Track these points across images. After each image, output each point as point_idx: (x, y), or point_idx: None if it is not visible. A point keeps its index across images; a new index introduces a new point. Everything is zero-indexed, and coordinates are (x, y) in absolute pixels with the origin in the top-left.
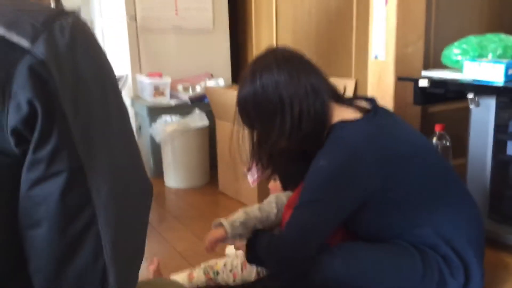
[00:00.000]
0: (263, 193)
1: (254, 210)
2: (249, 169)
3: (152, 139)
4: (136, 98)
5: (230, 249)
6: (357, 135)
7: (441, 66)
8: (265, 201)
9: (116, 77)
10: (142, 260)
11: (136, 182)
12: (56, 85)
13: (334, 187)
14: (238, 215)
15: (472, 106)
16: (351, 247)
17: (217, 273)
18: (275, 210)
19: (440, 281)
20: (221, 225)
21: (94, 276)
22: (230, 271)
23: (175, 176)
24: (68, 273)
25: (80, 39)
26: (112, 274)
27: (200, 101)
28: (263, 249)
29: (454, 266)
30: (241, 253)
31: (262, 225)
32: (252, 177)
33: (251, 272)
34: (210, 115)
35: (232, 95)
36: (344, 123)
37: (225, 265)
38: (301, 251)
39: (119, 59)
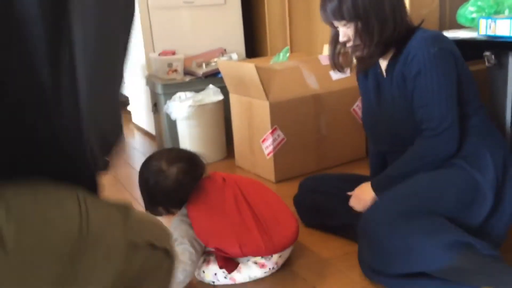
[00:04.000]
0: (279, 164)
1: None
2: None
3: (168, 117)
4: (150, 76)
5: None
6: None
7: (457, 26)
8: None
9: None
10: (120, 85)
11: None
12: None
13: (452, 65)
14: None
15: (488, 65)
16: None
17: None
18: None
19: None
20: None
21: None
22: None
23: None
24: None
25: None
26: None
27: (214, 77)
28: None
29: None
30: None
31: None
32: (267, 149)
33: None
34: (224, 91)
35: (245, 68)
36: (425, 29)
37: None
38: (455, 134)
39: (132, 38)
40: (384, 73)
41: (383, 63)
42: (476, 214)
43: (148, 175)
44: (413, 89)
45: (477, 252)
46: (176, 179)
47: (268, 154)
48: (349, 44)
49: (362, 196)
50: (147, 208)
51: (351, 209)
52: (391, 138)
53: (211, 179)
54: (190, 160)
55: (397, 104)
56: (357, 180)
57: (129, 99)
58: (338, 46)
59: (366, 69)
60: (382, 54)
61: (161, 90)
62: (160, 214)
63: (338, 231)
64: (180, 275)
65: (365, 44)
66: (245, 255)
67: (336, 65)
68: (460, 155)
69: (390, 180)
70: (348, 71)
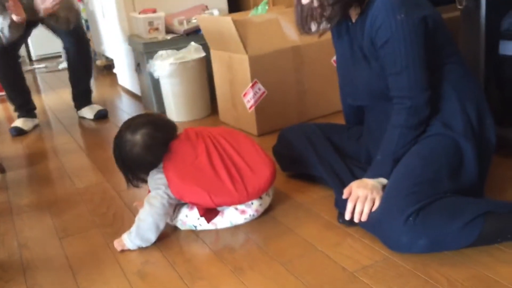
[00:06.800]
0: (260, 118)
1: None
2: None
3: (151, 76)
4: (132, 36)
5: None
6: None
7: None
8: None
9: None
10: None
11: None
12: None
13: (421, 29)
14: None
15: (460, 7)
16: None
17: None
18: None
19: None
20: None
21: None
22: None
23: (176, 110)
24: None
25: None
26: None
27: (195, 34)
28: (401, 135)
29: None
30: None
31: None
32: (249, 103)
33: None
34: (207, 48)
35: (223, 22)
36: None
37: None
38: (426, 100)
39: None
40: (356, 32)
41: (354, 20)
42: (468, 172)
43: (117, 148)
44: (383, 57)
45: (497, 214)
46: (143, 145)
47: (249, 108)
48: (310, 6)
49: (362, 187)
50: (128, 181)
51: (326, 166)
52: (369, 95)
53: (184, 136)
54: (154, 124)
55: (371, 64)
56: (335, 128)
57: (114, 61)
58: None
59: (331, 29)
60: (342, 14)
61: (143, 49)
62: (144, 182)
63: (315, 178)
64: (151, 218)
65: (323, 6)
66: (218, 205)
67: (304, 28)
68: (436, 117)
69: (382, 164)
70: (316, 29)
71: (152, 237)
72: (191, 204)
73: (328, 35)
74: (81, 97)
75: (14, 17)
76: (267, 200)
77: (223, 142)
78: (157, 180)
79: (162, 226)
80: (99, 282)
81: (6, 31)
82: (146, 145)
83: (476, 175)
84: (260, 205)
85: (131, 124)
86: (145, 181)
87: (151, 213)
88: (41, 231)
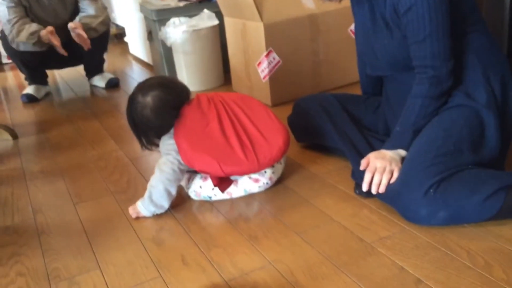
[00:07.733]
0: (275, 88)
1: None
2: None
3: (163, 44)
4: (144, 2)
5: None
6: None
7: None
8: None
9: None
10: None
11: None
12: None
13: (444, 3)
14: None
15: None
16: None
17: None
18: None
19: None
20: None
21: None
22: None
23: (189, 79)
24: None
25: None
26: None
27: (208, 1)
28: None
29: None
30: None
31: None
32: (263, 72)
33: None
34: (220, 16)
35: None
36: None
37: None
38: (449, 69)
39: None
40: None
41: None
42: (489, 145)
43: (130, 109)
44: (406, 25)
45: None
46: (153, 107)
47: (264, 78)
48: None
49: (380, 158)
50: (142, 145)
51: (344, 138)
52: (390, 64)
53: (196, 102)
54: (166, 86)
55: (394, 33)
56: (352, 98)
57: (125, 29)
58: None
59: None
60: None
61: (155, 16)
62: (157, 146)
63: (331, 149)
64: (162, 184)
65: None
66: (228, 174)
67: None
68: (458, 87)
69: (401, 136)
70: None
71: (165, 203)
72: (201, 173)
73: (347, 3)
74: (93, 66)
75: (57, 47)
76: (279, 168)
77: (235, 109)
78: (168, 145)
79: (174, 192)
80: (114, 248)
81: (29, 44)
82: (156, 107)
83: (497, 148)
84: (273, 173)
85: (144, 86)
86: (158, 145)
87: (162, 179)
88: (55, 197)
